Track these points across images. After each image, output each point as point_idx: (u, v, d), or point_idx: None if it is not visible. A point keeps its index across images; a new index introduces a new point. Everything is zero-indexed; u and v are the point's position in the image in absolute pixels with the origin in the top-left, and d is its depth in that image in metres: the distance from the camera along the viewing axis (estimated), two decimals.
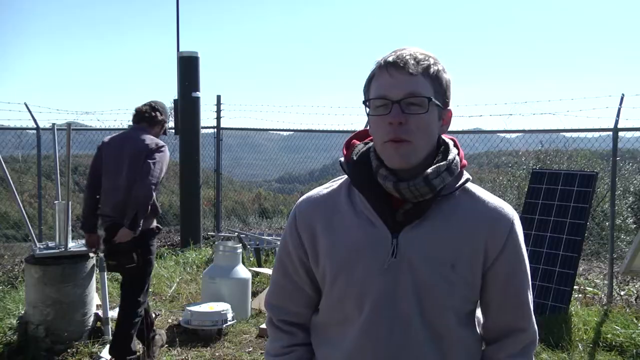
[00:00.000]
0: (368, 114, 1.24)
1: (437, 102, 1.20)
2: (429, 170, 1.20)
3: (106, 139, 3.88)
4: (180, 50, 7.61)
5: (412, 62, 1.18)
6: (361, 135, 1.37)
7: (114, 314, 4.84)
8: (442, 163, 1.23)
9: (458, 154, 1.28)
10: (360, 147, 1.32)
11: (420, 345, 1.23)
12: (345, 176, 1.33)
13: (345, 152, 1.33)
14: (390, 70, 1.19)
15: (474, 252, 1.23)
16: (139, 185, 3.55)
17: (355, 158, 1.29)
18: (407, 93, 1.17)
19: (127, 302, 3.77)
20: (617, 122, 5.53)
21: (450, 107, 1.28)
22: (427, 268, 1.21)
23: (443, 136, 1.30)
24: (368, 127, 1.30)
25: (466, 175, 1.28)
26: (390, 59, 1.20)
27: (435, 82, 1.20)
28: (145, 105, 3.91)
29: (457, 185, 1.25)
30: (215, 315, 4.52)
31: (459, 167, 1.26)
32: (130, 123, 4.05)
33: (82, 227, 3.91)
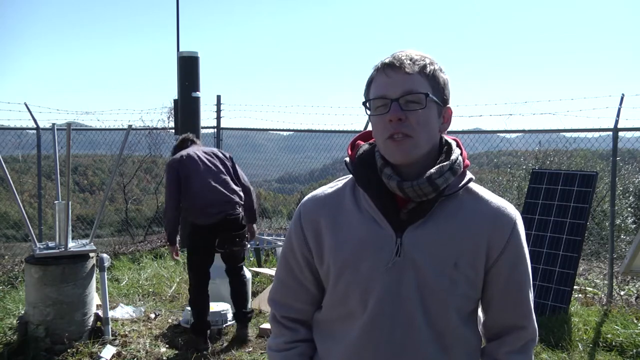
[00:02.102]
0: (369, 115, 1.27)
1: (434, 98, 1.23)
2: (432, 170, 1.23)
3: (178, 157, 4.30)
4: (180, 50, 7.61)
5: (408, 62, 1.22)
6: (365, 136, 1.40)
7: (114, 313, 4.85)
8: (445, 163, 1.25)
9: (461, 154, 1.30)
10: (365, 147, 1.35)
11: (422, 343, 1.25)
12: (350, 176, 1.35)
13: (350, 152, 1.36)
14: (387, 71, 1.23)
15: (477, 250, 1.25)
16: (249, 189, 4.45)
17: (359, 158, 1.32)
18: (404, 91, 1.20)
19: (241, 273, 4.51)
20: (617, 122, 5.53)
21: (450, 105, 1.30)
22: (430, 267, 1.23)
23: (446, 137, 1.33)
24: (371, 129, 1.32)
25: (469, 175, 1.30)
26: (387, 60, 1.24)
27: (432, 81, 1.24)
28: (185, 134, 4.71)
29: (460, 185, 1.27)
30: (216, 315, 4.51)
31: (462, 167, 1.28)
32: (130, 123, 4.38)
33: (171, 239, 4.30)
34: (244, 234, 4.36)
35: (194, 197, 4.18)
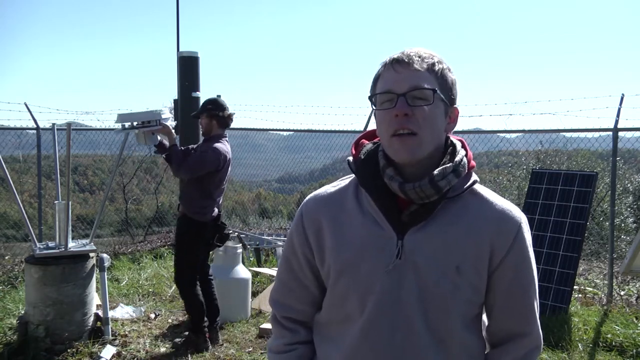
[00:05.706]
0: (374, 109, 1.24)
1: (442, 96, 1.21)
2: (435, 172, 1.20)
3: (226, 154, 4.24)
4: (180, 50, 7.61)
5: (417, 58, 1.20)
6: (369, 135, 1.37)
7: (114, 313, 4.85)
8: (448, 165, 1.22)
9: (466, 155, 1.27)
10: (368, 146, 1.32)
11: (422, 348, 1.22)
12: (354, 175, 1.32)
13: (353, 151, 1.33)
14: (396, 66, 1.21)
15: (480, 254, 1.22)
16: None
17: (363, 157, 1.29)
18: (411, 86, 1.18)
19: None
20: (617, 122, 5.54)
21: (457, 106, 1.28)
22: (431, 271, 1.20)
23: (452, 137, 1.30)
24: (375, 127, 1.30)
25: (474, 177, 1.27)
26: (395, 56, 1.22)
27: (440, 79, 1.21)
28: (230, 113, 4.39)
29: (465, 187, 1.24)
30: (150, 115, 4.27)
31: (467, 168, 1.25)
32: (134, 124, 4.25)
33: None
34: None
35: (214, 193, 4.27)
